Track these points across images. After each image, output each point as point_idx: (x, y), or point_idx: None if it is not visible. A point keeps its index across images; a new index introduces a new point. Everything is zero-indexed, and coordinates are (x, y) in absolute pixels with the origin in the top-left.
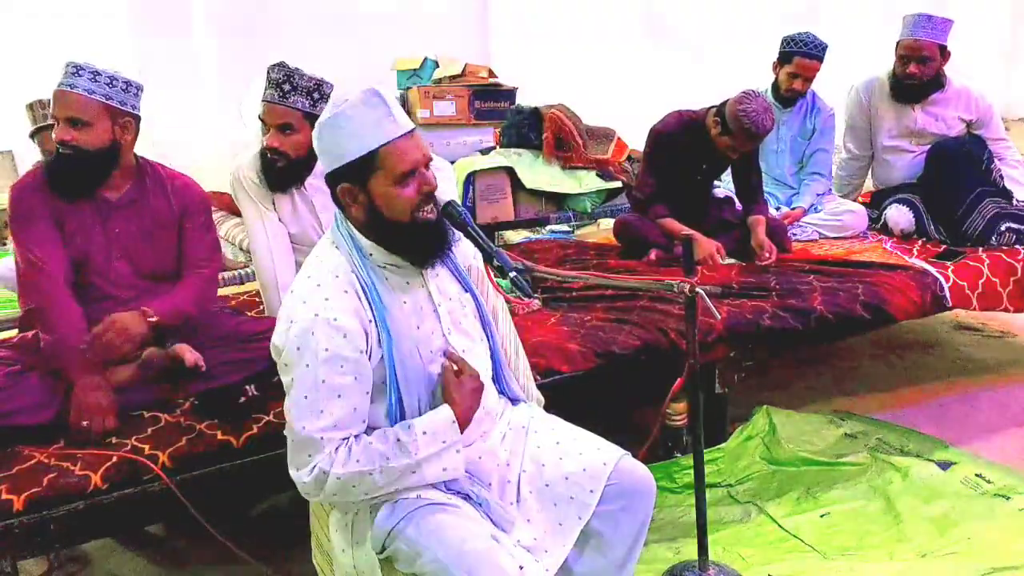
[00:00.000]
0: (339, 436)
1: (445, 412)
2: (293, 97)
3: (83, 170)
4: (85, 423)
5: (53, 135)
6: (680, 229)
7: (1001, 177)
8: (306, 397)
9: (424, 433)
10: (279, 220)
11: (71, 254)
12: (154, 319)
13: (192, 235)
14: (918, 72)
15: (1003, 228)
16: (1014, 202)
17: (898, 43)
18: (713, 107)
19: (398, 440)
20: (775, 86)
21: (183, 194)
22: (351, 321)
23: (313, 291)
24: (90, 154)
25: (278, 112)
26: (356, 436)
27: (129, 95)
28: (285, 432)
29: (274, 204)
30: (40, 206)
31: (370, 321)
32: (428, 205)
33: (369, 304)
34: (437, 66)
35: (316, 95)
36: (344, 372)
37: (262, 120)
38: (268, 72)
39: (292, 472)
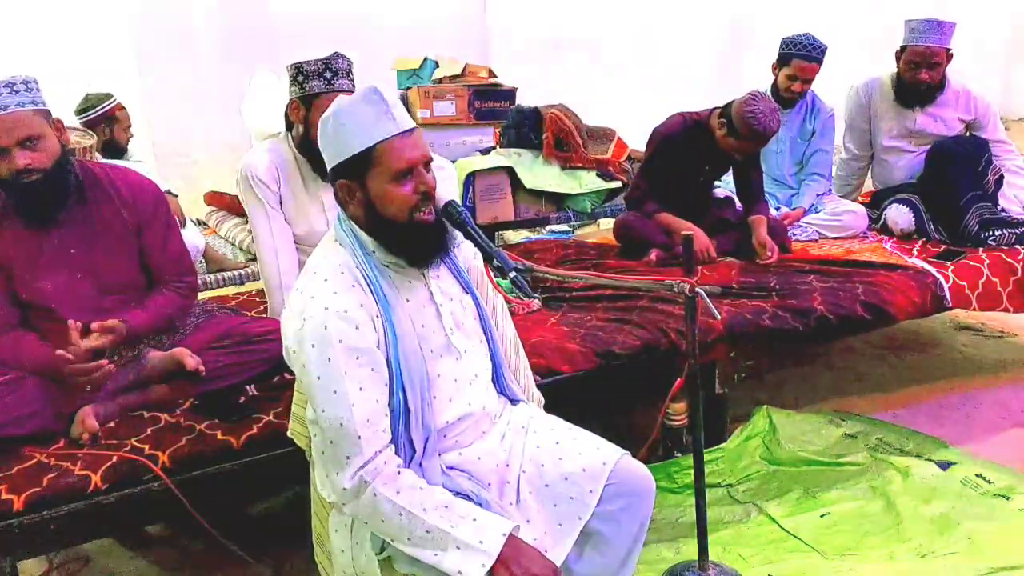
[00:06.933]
0: (377, 440)
1: (507, 524)
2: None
3: (57, 191)
4: (82, 431)
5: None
6: (676, 222)
7: (996, 182)
8: (335, 392)
9: (474, 520)
10: (284, 220)
11: (26, 297)
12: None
13: (153, 246)
14: (928, 78)
15: (996, 234)
16: (998, 209)
17: (905, 48)
18: (717, 108)
19: (446, 506)
20: (774, 88)
21: (134, 201)
22: (361, 314)
23: (321, 286)
24: (54, 170)
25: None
26: (402, 467)
27: (40, 93)
28: (314, 440)
29: (281, 203)
30: None
31: (377, 316)
32: (426, 206)
33: (375, 299)
34: (437, 66)
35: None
36: (361, 364)
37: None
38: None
39: (327, 480)
